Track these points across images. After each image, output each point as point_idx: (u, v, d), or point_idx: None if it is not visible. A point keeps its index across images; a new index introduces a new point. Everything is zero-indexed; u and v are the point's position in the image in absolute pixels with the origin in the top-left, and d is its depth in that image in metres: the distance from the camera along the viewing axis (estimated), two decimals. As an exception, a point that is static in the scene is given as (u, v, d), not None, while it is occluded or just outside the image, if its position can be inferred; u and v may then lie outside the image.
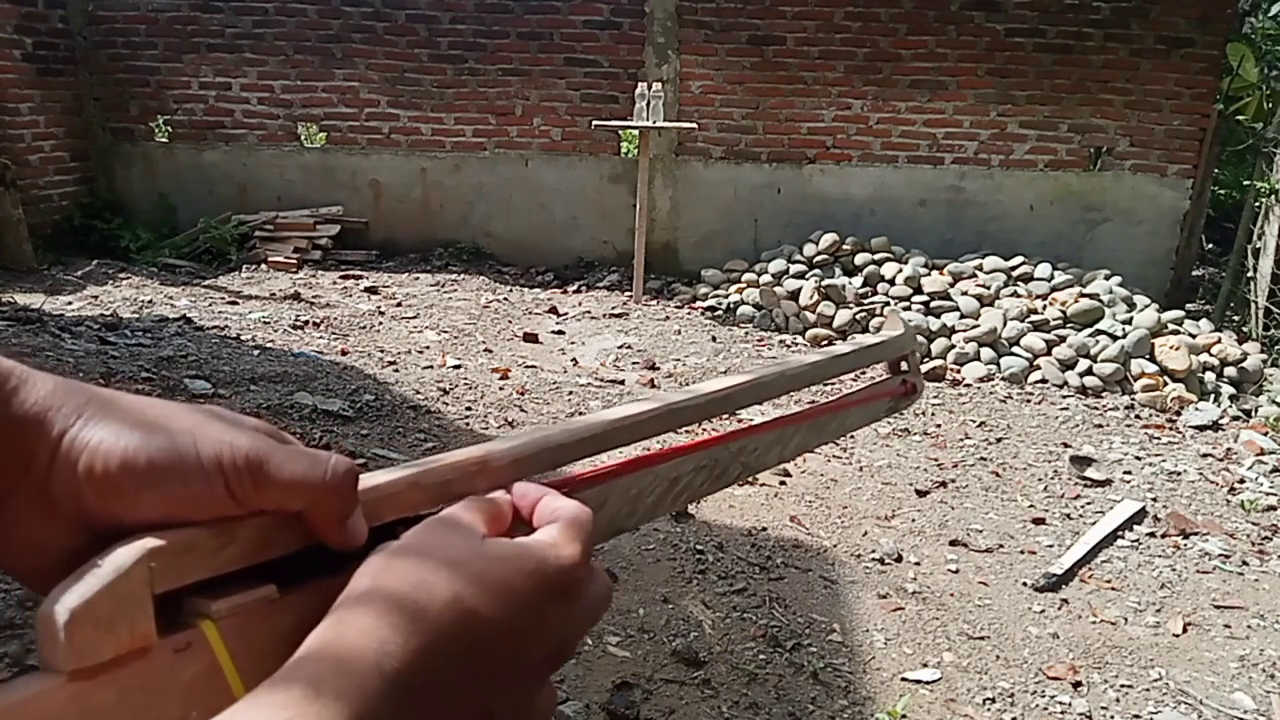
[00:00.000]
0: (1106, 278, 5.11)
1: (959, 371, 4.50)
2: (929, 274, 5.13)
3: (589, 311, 5.19)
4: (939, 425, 3.82)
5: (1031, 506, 3.09)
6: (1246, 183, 5.86)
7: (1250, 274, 5.52)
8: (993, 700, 2.06)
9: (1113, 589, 2.58)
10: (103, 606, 0.26)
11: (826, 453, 3.45)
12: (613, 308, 5.26)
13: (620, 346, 4.58)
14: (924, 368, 4.45)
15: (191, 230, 6.01)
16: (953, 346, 4.62)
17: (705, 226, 6.06)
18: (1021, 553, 2.76)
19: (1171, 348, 4.34)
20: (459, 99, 6.06)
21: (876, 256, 5.34)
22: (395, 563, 0.29)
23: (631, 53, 5.88)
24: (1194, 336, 4.57)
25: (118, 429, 0.30)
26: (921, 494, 3.13)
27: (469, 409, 3.62)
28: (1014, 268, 5.16)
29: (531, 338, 4.61)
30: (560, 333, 4.78)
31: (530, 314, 5.13)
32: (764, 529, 2.78)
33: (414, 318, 4.81)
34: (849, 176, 5.92)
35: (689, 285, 5.80)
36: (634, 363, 4.36)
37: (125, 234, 5.98)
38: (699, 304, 5.44)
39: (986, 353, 4.56)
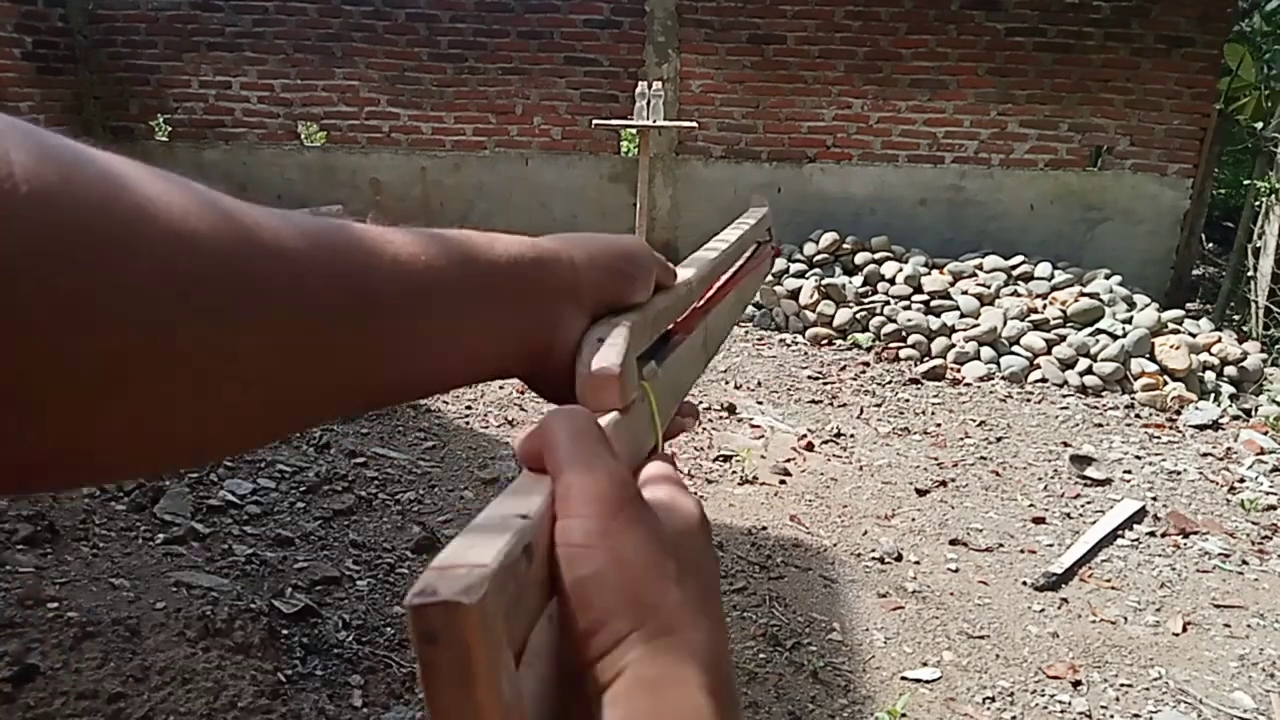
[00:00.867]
0: (1107, 277, 5.11)
1: (959, 371, 4.50)
2: (929, 273, 5.13)
3: (589, 310, 5.18)
4: (939, 424, 3.82)
5: (1031, 506, 3.09)
6: (1246, 182, 5.86)
7: (1250, 273, 5.52)
8: (992, 699, 2.06)
9: (1112, 588, 2.58)
10: (627, 365, 0.36)
11: (827, 452, 3.45)
12: (613, 307, 5.25)
13: (620, 345, 4.58)
14: (924, 366, 4.46)
15: (191, 229, 6.01)
16: (953, 346, 4.62)
17: (705, 225, 6.05)
18: (1021, 552, 2.76)
19: (1172, 347, 4.34)
20: (459, 98, 6.06)
21: (877, 255, 5.34)
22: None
23: (632, 51, 5.88)
24: (1194, 336, 4.57)
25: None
26: (921, 493, 3.13)
27: (469, 408, 3.62)
28: (1014, 267, 5.16)
29: (531, 337, 4.60)
30: (560, 332, 4.77)
31: (530, 313, 5.12)
32: (764, 528, 2.79)
33: (414, 316, 4.81)
34: (849, 175, 5.92)
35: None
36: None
37: (125, 233, 5.98)
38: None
39: (986, 352, 4.56)
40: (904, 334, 4.76)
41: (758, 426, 3.63)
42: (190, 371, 0.24)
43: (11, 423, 0.21)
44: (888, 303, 5.00)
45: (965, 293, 4.97)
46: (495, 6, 5.87)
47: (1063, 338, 4.55)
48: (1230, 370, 4.39)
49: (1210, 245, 6.86)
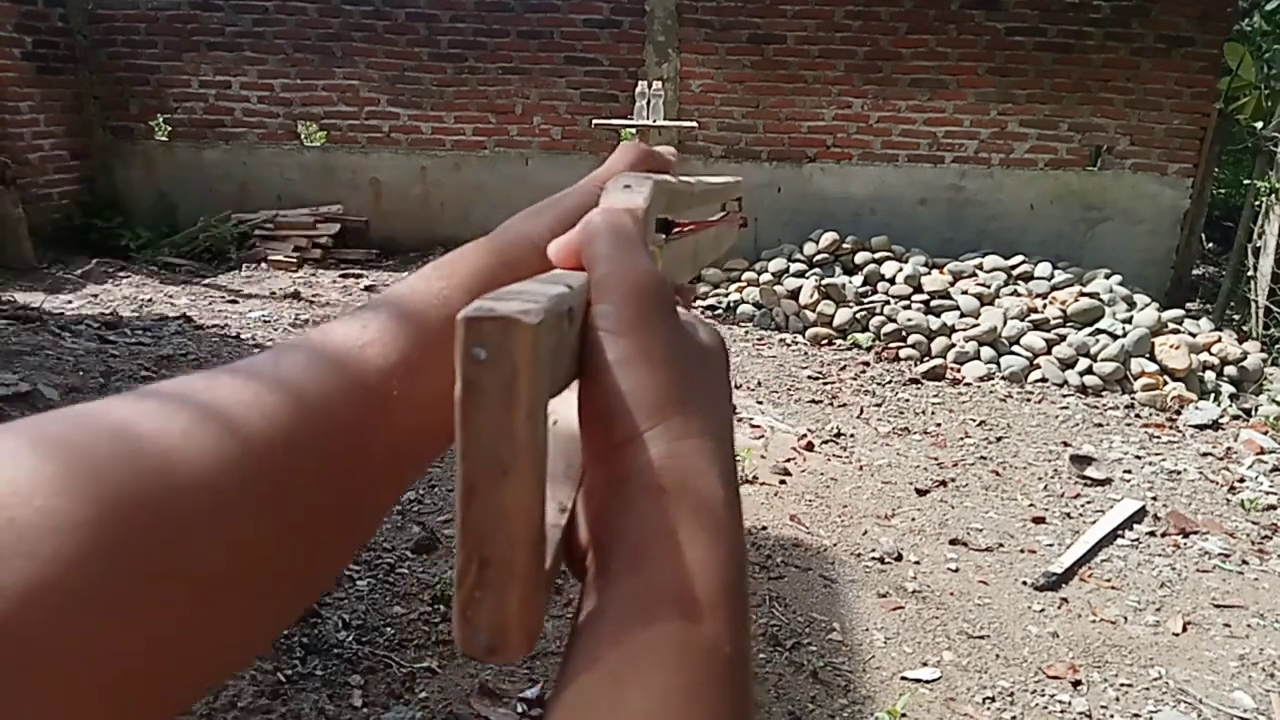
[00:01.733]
0: (1106, 277, 5.11)
1: (959, 370, 4.50)
2: (929, 273, 5.13)
3: (589, 310, 5.19)
4: (939, 424, 3.82)
5: (1031, 505, 3.09)
6: (1246, 182, 5.86)
7: (1250, 273, 5.52)
8: (992, 699, 2.06)
9: (1112, 588, 2.58)
10: (650, 211, 0.36)
11: (827, 452, 3.45)
12: (613, 306, 5.25)
13: (620, 345, 4.58)
14: (924, 366, 4.46)
15: (191, 229, 6.01)
16: (953, 345, 4.62)
17: (705, 225, 6.05)
18: (1021, 552, 2.76)
19: (1171, 347, 4.34)
20: (459, 97, 6.05)
21: (877, 255, 5.34)
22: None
23: (632, 51, 5.88)
24: (1194, 335, 4.57)
25: None
26: (921, 493, 3.13)
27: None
28: (1014, 267, 5.16)
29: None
30: (560, 331, 4.78)
31: (530, 313, 5.12)
32: (764, 528, 2.78)
33: (414, 316, 4.81)
34: (849, 175, 5.92)
35: (689, 284, 5.79)
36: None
37: (125, 232, 5.98)
38: (699, 302, 5.45)
39: (986, 352, 4.56)
40: (904, 334, 4.76)
41: (758, 426, 3.63)
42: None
43: None
44: (888, 302, 5.00)
45: (965, 292, 4.97)
46: (495, 6, 5.87)
47: (1063, 338, 4.55)
48: (1230, 370, 4.39)
49: (1210, 245, 6.86)
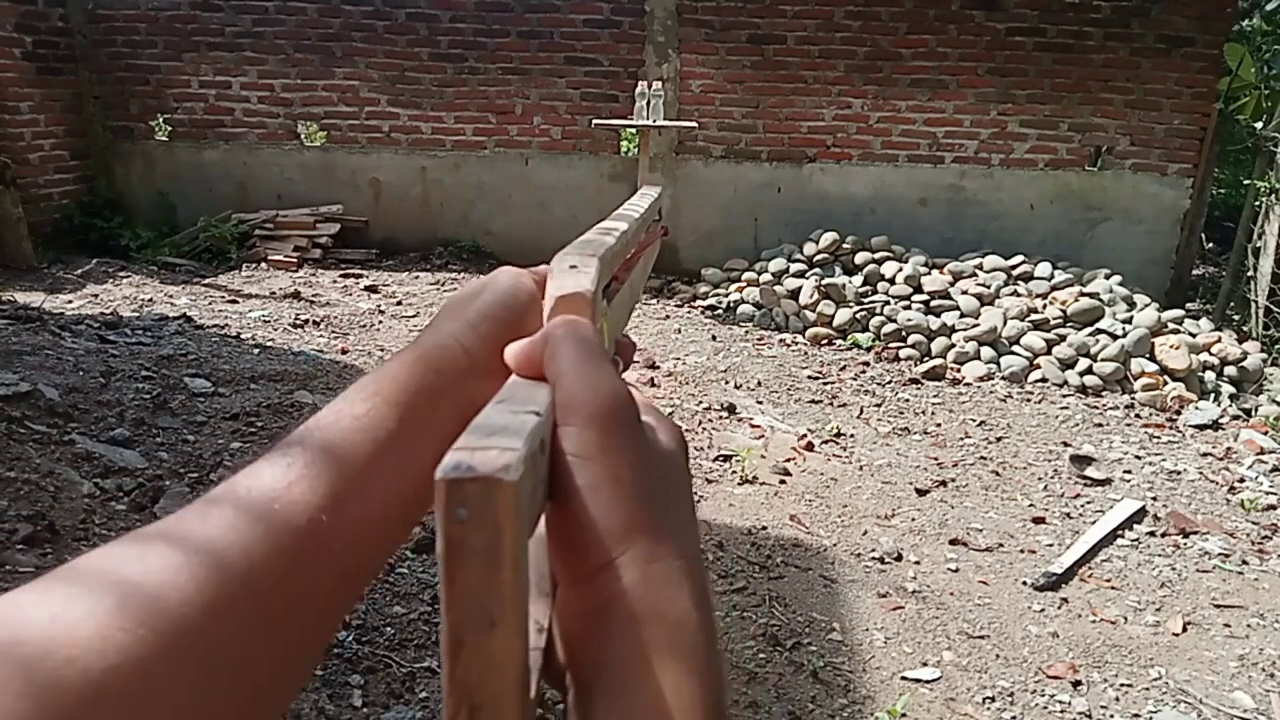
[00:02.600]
0: (1107, 277, 5.11)
1: (959, 370, 4.50)
2: (929, 273, 5.13)
3: (589, 310, 5.18)
4: (939, 424, 3.82)
5: (1031, 505, 3.09)
6: (1246, 182, 5.86)
7: (1250, 273, 5.52)
8: (992, 699, 2.06)
9: (1112, 588, 2.58)
10: (598, 291, 0.37)
11: (827, 452, 3.45)
12: (613, 306, 5.26)
13: (620, 345, 4.58)
14: (924, 366, 4.46)
15: (191, 229, 6.01)
16: (953, 345, 4.62)
17: (705, 225, 6.06)
18: (1021, 552, 2.76)
19: (1171, 347, 4.34)
20: (459, 98, 6.05)
21: (877, 255, 5.34)
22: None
23: (632, 51, 5.88)
24: (1194, 336, 4.57)
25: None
26: (921, 493, 3.13)
27: (469, 408, 3.61)
28: (1014, 267, 5.16)
29: (531, 336, 4.60)
30: (560, 331, 4.77)
31: (530, 313, 5.12)
32: (764, 528, 2.78)
33: (414, 316, 4.81)
34: (849, 175, 5.92)
35: (689, 284, 5.80)
36: (634, 361, 4.35)
37: (125, 232, 5.98)
38: (699, 303, 5.45)
39: (986, 352, 4.56)
40: (904, 334, 4.76)
41: (758, 426, 3.63)
42: None
43: None
44: (888, 302, 5.00)
45: (965, 293, 4.97)
46: (495, 6, 5.87)
47: (1063, 338, 4.55)
48: (1230, 370, 4.39)
49: (1210, 245, 6.85)
